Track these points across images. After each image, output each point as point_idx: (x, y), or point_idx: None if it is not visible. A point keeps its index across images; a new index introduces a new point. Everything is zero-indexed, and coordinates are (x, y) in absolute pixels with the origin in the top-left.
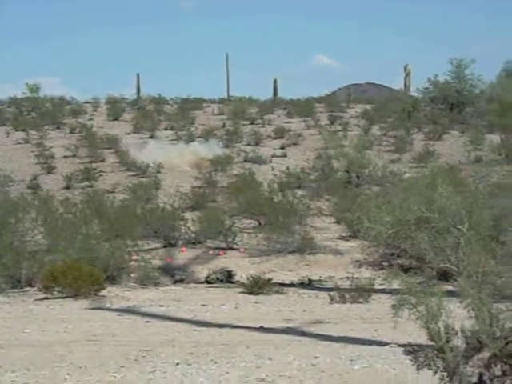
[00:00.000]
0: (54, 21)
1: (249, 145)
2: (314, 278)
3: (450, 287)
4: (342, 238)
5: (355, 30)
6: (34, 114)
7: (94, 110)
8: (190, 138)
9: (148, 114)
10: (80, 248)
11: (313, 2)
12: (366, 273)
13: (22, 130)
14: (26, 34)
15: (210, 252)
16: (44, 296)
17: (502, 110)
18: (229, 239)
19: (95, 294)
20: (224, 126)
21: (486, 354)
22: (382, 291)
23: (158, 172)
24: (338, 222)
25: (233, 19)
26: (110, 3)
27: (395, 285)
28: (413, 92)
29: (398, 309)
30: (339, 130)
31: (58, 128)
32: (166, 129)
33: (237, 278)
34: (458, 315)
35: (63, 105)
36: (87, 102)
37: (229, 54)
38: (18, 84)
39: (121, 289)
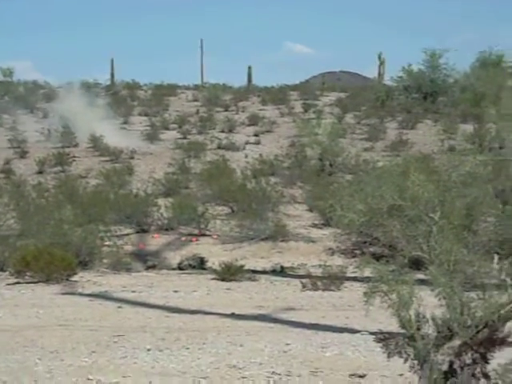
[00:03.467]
0: (29, 6)
1: (223, 132)
2: (286, 265)
3: (421, 275)
4: (315, 225)
5: (330, 17)
6: (7, 98)
7: (68, 95)
8: (164, 125)
9: (122, 99)
10: (52, 233)
11: None
12: (338, 261)
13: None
14: None
15: (183, 238)
16: (16, 281)
17: (476, 99)
18: (202, 226)
19: (67, 279)
20: (198, 112)
21: (456, 343)
22: (354, 279)
23: (132, 158)
24: (310, 210)
25: (208, 5)
26: None
27: (367, 273)
28: (387, 81)
29: (370, 296)
30: (313, 118)
31: (31, 112)
32: (139, 114)
33: (209, 264)
34: (430, 303)
35: (36, 89)
36: (61, 87)
37: (203, 41)
38: None
39: (93, 274)
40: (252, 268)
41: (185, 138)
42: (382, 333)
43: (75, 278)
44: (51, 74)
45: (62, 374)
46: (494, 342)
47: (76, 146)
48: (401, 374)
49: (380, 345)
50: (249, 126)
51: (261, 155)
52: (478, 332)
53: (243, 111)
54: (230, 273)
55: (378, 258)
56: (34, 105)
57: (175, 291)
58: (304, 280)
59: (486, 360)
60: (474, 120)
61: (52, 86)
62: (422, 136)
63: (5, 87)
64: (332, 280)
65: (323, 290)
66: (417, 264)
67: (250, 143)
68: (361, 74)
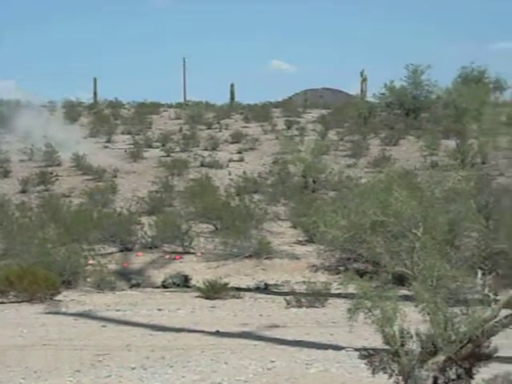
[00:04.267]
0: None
1: (206, 149)
2: (270, 282)
3: (405, 291)
4: (299, 242)
5: (312, 35)
6: None
7: (51, 114)
8: (147, 143)
9: (105, 118)
10: (36, 252)
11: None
12: (322, 277)
13: None
14: None
15: (167, 256)
16: None
17: (458, 115)
18: (185, 243)
19: (51, 299)
20: (181, 130)
21: (441, 358)
22: (338, 295)
23: (115, 176)
24: (294, 227)
25: (190, 24)
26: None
27: (351, 289)
28: (369, 97)
29: (354, 313)
30: (296, 135)
31: (13, 132)
32: (122, 133)
33: (193, 282)
34: (414, 319)
35: (19, 108)
36: (44, 106)
37: (186, 59)
38: None
39: (77, 293)
40: (236, 286)
41: (168, 156)
42: (366, 349)
43: (59, 297)
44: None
45: None
46: (478, 356)
47: (59, 165)
48: None
49: (365, 361)
50: (232, 143)
51: (244, 172)
52: (462, 347)
53: (226, 129)
54: (214, 291)
55: (361, 274)
56: (16, 124)
57: (159, 309)
58: (288, 297)
59: (470, 375)
60: (457, 136)
61: (34, 105)
62: (405, 152)
63: None
64: (316, 297)
65: (307, 306)
66: (400, 280)
67: (234, 161)
68: (343, 90)
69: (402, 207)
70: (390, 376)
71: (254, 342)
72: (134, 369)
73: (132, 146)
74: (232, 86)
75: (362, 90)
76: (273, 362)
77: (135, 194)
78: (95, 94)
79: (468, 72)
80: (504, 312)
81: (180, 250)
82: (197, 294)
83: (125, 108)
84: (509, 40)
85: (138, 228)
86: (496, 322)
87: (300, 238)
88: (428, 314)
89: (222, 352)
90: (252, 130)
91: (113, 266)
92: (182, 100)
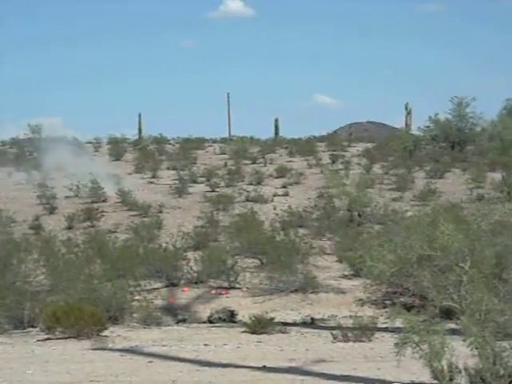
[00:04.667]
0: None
1: (251, 184)
2: (316, 316)
3: (453, 325)
4: (345, 276)
5: (356, 68)
6: (36, 154)
7: (96, 151)
8: (192, 178)
9: (149, 153)
10: (82, 288)
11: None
12: (368, 311)
13: (24, 171)
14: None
15: (213, 291)
16: (46, 337)
17: (503, 147)
18: (231, 278)
19: (98, 335)
20: (226, 165)
21: None
22: (385, 330)
23: (160, 212)
24: (340, 261)
25: (235, 59)
26: (111, 44)
27: (398, 323)
28: (414, 130)
29: (401, 347)
30: (341, 169)
31: (59, 168)
32: (167, 168)
33: (239, 317)
34: (462, 353)
35: (65, 145)
36: (89, 143)
37: (230, 94)
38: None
39: (123, 329)
40: (282, 320)
41: (213, 190)
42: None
43: (105, 333)
44: (79, 129)
45: None
46: None
47: (104, 200)
48: None
49: None
50: (277, 177)
51: (289, 207)
52: (511, 382)
53: (271, 163)
54: (260, 325)
55: (408, 308)
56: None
57: (205, 345)
58: (335, 331)
59: None
60: (503, 168)
61: (80, 142)
62: (451, 185)
63: (33, 144)
64: (363, 331)
65: (354, 341)
66: (448, 314)
67: (278, 195)
68: (388, 124)
69: (448, 241)
70: None
71: (301, 377)
72: None
73: (177, 182)
74: (276, 120)
75: (406, 123)
76: None
77: (180, 229)
78: (140, 130)
79: None
80: None
81: (226, 284)
82: (243, 329)
83: (170, 143)
84: None
85: (183, 263)
86: None
87: (346, 272)
88: (476, 348)
89: None
90: (297, 164)
91: (159, 302)
92: (226, 135)
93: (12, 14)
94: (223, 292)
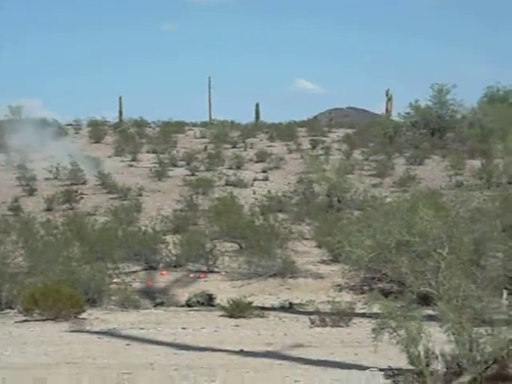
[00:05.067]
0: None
1: (231, 168)
2: (294, 301)
3: (430, 311)
4: (323, 261)
5: (338, 54)
6: (15, 135)
7: (76, 133)
8: (172, 162)
9: (130, 137)
10: (60, 270)
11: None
12: (346, 297)
13: (4, 153)
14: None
15: (191, 275)
16: (24, 318)
17: (483, 134)
18: (210, 262)
19: (76, 317)
20: (206, 149)
21: (466, 378)
22: (363, 315)
23: (140, 195)
24: (319, 246)
25: (216, 43)
26: (94, 28)
27: (376, 309)
28: (394, 117)
29: (379, 333)
30: (321, 155)
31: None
32: (147, 152)
33: (217, 301)
34: (438, 339)
35: (45, 127)
36: (69, 125)
37: (212, 78)
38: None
39: (101, 311)
40: (260, 305)
41: (193, 174)
42: (391, 369)
43: (83, 315)
44: (60, 111)
45: None
46: (503, 377)
47: (84, 183)
48: None
49: (389, 381)
50: (257, 162)
51: (269, 192)
52: (487, 368)
53: (251, 148)
54: (238, 310)
55: (386, 294)
56: (42, 142)
57: (183, 328)
58: (313, 316)
59: None
60: (482, 155)
61: (60, 124)
62: (430, 172)
63: (13, 125)
64: (341, 316)
65: (332, 326)
66: (425, 300)
67: (258, 180)
68: (369, 110)
69: (427, 227)
70: None
71: (279, 362)
72: None
73: (157, 165)
74: (257, 105)
75: (387, 110)
76: (297, 381)
77: (160, 212)
78: (120, 112)
79: (494, 92)
80: None
81: (204, 268)
82: (221, 313)
83: (150, 127)
84: None
85: (162, 247)
86: None
87: (324, 258)
88: (453, 334)
89: (246, 371)
90: (277, 149)
91: (137, 285)
92: (207, 119)
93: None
94: (202, 276)
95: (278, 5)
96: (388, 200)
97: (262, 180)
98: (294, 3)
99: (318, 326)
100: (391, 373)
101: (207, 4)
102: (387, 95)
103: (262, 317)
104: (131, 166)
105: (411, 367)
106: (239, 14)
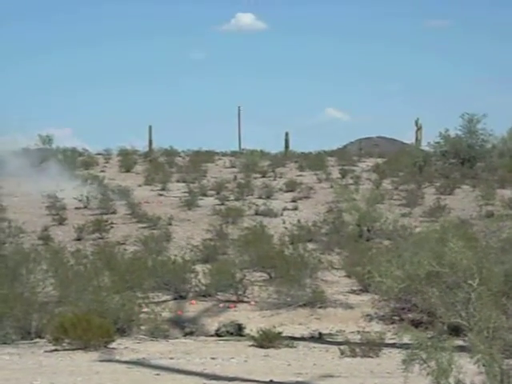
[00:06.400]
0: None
1: (260, 198)
2: (324, 331)
3: (460, 342)
4: (353, 291)
5: (367, 83)
6: (46, 165)
7: (106, 162)
8: (202, 191)
9: (159, 166)
10: (90, 300)
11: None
12: (376, 327)
13: (34, 182)
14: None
15: (221, 305)
16: (54, 348)
17: None
18: (239, 292)
19: (105, 346)
20: (235, 178)
21: None
22: (393, 346)
23: (169, 224)
24: (348, 276)
25: (245, 73)
26: (122, 55)
27: (406, 339)
28: (424, 146)
29: (409, 364)
30: (350, 184)
31: (69, 179)
32: (177, 181)
33: (247, 331)
34: (469, 371)
35: (75, 156)
36: (99, 154)
37: (241, 108)
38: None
39: (131, 341)
40: (290, 335)
41: (222, 204)
42: None
43: (113, 345)
44: (89, 141)
45: None
46: None
47: (114, 212)
48: None
49: None
50: (286, 191)
51: (298, 221)
52: None
53: (281, 177)
54: (267, 340)
55: (416, 324)
56: (72, 172)
57: (213, 358)
58: (342, 346)
59: None
60: None
61: (90, 153)
62: (460, 202)
63: (44, 154)
64: (370, 346)
65: (361, 356)
66: (456, 331)
67: (288, 209)
68: (398, 139)
69: (457, 258)
70: None
71: None
72: None
73: (187, 194)
74: (286, 134)
75: (416, 139)
76: None
77: (189, 241)
78: (150, 142)
79: None
80: None
81: (234, 298)
82: (250, 343)
83: (180, 156)
84: None
85: (191, 276)
86: None
87: (354, 288)
88: (483, 365)
89: None
90: (306, 178)
91: (167, 314)
92: (236, 148)
93: (13, 20)
94: (231, 306)
95: (306, 29)
96: (418, 230)
97: (292, 209)
98: (323, 27)
99: (347, 356)
100: None
101: (235, 32)
102: (417, 125)
103: (291, 347)
104: (161, 195)
105: None
106: (267, 42)
